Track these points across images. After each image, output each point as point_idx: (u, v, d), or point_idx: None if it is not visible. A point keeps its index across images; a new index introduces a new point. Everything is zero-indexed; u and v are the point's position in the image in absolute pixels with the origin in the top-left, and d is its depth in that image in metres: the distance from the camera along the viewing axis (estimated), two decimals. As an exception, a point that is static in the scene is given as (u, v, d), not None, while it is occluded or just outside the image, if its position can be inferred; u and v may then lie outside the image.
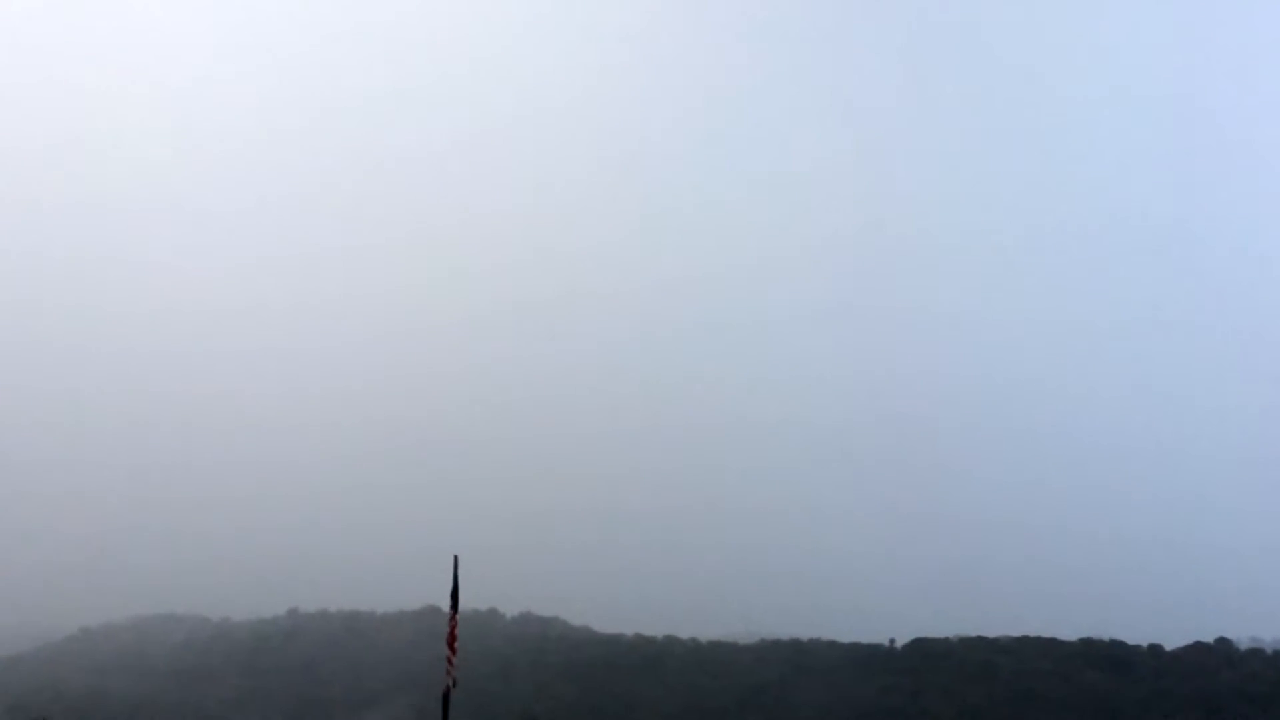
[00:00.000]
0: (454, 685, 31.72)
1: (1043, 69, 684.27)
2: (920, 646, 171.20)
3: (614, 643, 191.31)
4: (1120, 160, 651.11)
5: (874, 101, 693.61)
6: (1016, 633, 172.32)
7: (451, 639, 32.12)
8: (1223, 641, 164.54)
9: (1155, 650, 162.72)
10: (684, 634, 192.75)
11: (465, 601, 32.91)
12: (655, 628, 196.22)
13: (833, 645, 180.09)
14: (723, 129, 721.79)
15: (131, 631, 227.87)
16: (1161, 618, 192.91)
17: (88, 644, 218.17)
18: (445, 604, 32.81)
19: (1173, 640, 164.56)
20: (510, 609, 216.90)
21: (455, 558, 32.17)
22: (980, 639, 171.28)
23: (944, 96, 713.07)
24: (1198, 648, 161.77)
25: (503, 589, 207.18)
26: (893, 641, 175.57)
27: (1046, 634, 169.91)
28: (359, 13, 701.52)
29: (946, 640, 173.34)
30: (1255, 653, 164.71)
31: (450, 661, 32.14)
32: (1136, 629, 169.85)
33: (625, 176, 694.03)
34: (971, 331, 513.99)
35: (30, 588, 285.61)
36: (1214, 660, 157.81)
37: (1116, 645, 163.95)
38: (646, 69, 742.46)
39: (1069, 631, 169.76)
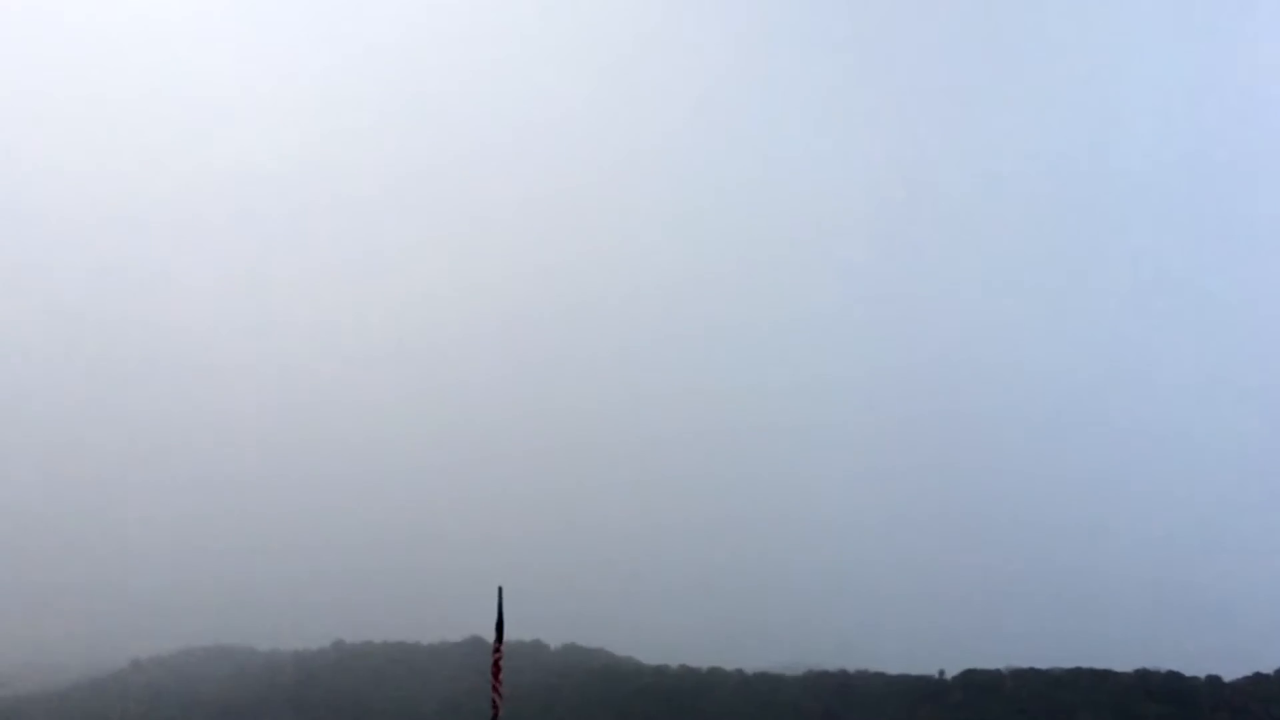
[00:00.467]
0: (499, 717, 31.52)
1: (1065, 58, 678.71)
2: (971, 678, 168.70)
3: (660, 674, 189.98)
4: (1147, 161, 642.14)
5: (884, 99, 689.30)
6: (1070, 664, 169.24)
7: (496, 670, 31.96)
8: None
9: (1214, 682, 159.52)
10: (730, 665, 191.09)
11: (510, 632, 32.76)
12: (701, 658, 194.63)
13: (880, 677, 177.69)
14: (732, 128, 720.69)
15: (181, 663, 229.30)
16: (1220, 648, 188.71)
17: (138, 677, 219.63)
18: (490, 635, 32.69)
19: (1231, 671, 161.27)
20: (555, 640, 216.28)
21: (499, 589, 32.06)
22: (1032, 670, 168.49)
23: (955, 90, 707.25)
24: (1257, 679, 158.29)
25: (547, 619, 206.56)
26: (942, 673, 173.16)
27: (1101, 665, 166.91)
28: (368, 22, 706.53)
29: (998, 672, 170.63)
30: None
31: (496, 693, 31.96)
32: (1194, 660, 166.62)
33: (645, 178, 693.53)
34: (1014, 339, 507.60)
35: (80, 621, 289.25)
36: (1274, 691, 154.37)
37: (1173, 677, 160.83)
38: (658, 69, 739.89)
39: (1124, 663, 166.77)
